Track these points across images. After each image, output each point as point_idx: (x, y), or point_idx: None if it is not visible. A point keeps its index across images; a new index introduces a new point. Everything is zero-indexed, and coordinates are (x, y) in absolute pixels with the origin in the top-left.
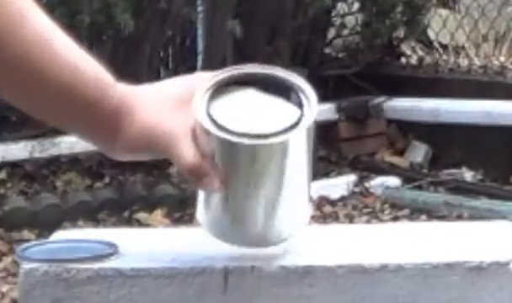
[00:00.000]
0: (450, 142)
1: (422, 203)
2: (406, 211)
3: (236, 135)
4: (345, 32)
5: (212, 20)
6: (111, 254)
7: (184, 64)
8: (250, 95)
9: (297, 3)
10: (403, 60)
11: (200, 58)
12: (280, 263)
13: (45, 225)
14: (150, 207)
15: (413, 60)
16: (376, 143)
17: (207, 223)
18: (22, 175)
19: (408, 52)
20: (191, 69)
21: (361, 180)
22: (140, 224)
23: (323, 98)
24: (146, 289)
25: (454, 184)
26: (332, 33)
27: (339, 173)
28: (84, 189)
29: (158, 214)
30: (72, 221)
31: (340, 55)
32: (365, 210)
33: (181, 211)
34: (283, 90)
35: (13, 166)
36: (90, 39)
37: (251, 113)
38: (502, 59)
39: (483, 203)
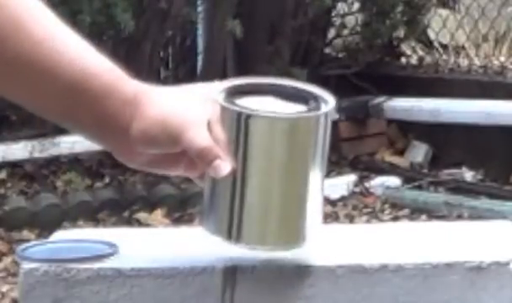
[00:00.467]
0: (450, 142)
1: (422, 203)
2: (406, 211)
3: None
4: (345, 32)
5: (212, 20)
6: (111, 254)
7: (184, 64)
8: (268, 98)
9: (297, 3)
10: (403, 60)
11: (200, 58)
12: (280, 263)
13: (45, 225)
14: (150, 207)
15: (413, 60)
16: (376, 143)
17: (213, 223)
18: (22, 175)
19: (408, 52)
20: (191, 69)
21: (361, 180)
22: (140, 224)
23: None
24: (146, 289)
25: (454, 184)
26: (332, 33)
27: (339, 173)
28: (84, 189)
29: (158, 214)
30: (72, 221)
31: (340, 55)
32: (365, 210)
33: (181, 211)
34: (300, 99)
35: (13, 166)
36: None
37: (269, 105)
38: (502, 59)
39: (483, 203)
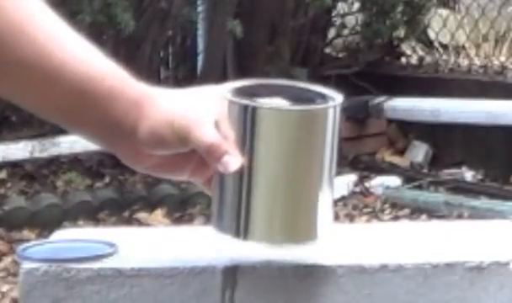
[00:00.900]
0: (450, 142)
1: (422, 203)
2: (406, 211)
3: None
4: (345, 32)
5: (212, 20)
6: (111, 254)
7: (184, 64)
8: (276, 99)
9: (297, 3)
10: (403, 60)
11: (200, 58)
12: (280, 263)
13: (45, 225)
14: (150, 207)
15: (414, 60)
16: (377, 143)
17: (221, 221)
18: (22, 175)
19: (409, 52)
20: (191, 69)
21: (361, 180)
22: (140, 224)
23: None
24: (146, 289)
25: (454, 184)
26: (332, 33)
27: (339, 173)
28: (84, 189)
29: (158, 214)
30: (72, 221)
31: (340, 55)
32: (365, 210)
33: (181, 211)
34: (309, 100)
35: (14, 166)
36: (90, 38)
37: (278, 101)
38: (502, 59)
39: (483, 203)
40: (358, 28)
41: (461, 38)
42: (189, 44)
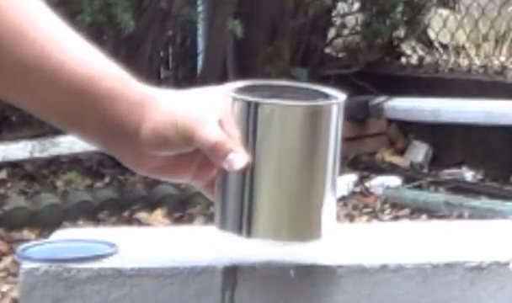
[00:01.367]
0: (450, 142)
1: (422, 203)
2: (406, 211)
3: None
4: (345, 32)
5: (212, 20)
6: (111, 254)
7: (184, 64)
8: (278, 98)
9: (297, 3)
10: (403, 60)
11: (200, 58)
12: (280, 263)
13: (45, 225)
14: (150, 207)
15: (414, 60)
16: (377, 143)
17: (224, 219)
18: (22, 175)
19: (409, 52)
20: (191, 69)
21: (361, 180)
22: (140, 224)
23: None
24: (146, 289)
25: (454, 184)
26: (332, 33)
27: (339, 173)
28: (84, 189)
29: (158, 214)
30: (72, 221)
31: (340, 55)
32: (365, 210)
33: (181, 211)
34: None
35: (14, 166)
36: (90, 38)
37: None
38: (502, 59)
39: (484, 203)
40: (358, 28)
41: (461, 38)
42: (189, 44)
